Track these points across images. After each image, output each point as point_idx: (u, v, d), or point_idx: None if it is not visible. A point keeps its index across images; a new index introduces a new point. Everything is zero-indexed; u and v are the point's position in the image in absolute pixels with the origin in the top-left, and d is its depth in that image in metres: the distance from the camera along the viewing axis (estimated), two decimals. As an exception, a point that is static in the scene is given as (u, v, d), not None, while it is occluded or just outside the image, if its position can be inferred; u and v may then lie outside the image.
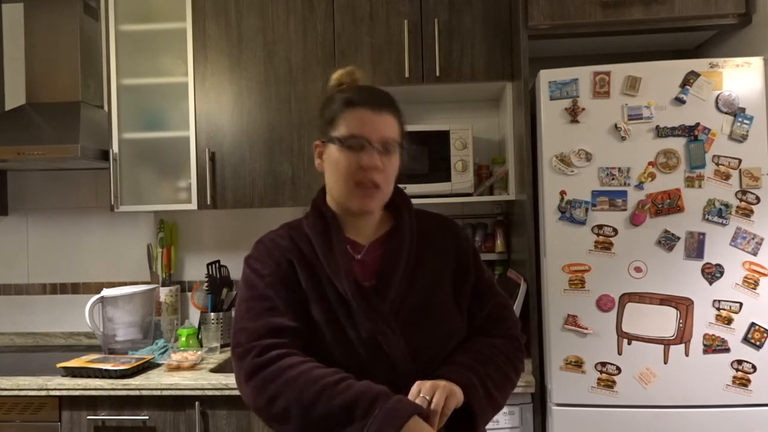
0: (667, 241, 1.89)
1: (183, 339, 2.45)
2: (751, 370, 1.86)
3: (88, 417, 2.08)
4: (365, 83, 1.28)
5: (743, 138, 1.87)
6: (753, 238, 1.87)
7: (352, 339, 1.13)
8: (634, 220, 1.91)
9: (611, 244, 1.92)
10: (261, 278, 1.18)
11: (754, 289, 1.86)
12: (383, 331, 1.13)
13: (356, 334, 1.13)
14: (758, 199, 1.87)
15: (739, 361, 1.86)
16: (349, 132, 1.17)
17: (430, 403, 1.05)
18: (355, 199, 1.18)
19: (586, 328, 1.92)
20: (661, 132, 1.90)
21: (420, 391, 1.07)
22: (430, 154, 2.37)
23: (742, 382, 1.86)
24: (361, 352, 1.12)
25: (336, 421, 1.03)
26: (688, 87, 1.89)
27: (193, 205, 2.41)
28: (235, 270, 2.65)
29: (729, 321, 1.86)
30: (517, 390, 1.95)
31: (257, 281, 1.18)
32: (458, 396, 1.08)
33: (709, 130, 1.88)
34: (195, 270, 2.75)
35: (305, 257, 1.19)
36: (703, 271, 1.88)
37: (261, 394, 1.08)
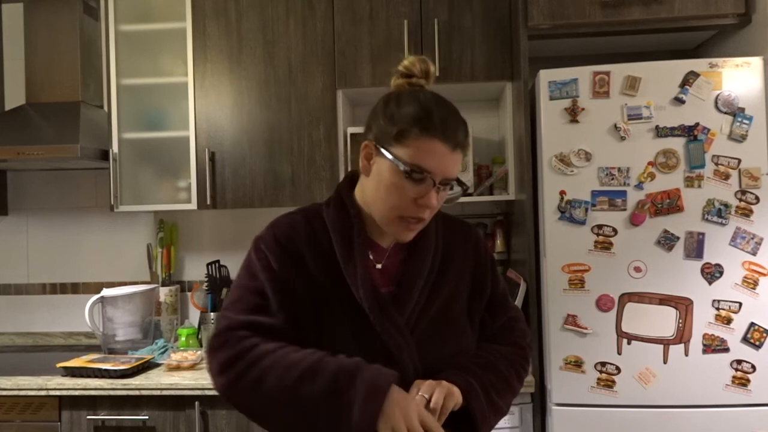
0: (667, 241, 1.90)
1: (183, 339, 2.45)
2: (751, 370, 1.86)
3: (88, 417, 2.08)
4: (431, 73, 1.18)
5: (743, 138, 1.87)
6: (752, 238, 1.87)
7: (363, 346, 1.09)
8: (634, 220, 1.91)
9: (611, 244, 1.92)
10: (264, 270, 1.11)
11: (754, 289, 1.86)
12: (398, 344, 1.09)
13: (369, 343, 1.09)
14: (758, 199, 1.87)
15: (739, 361, 1.86)
16: (416, 162, 1.04)
17: (428, 401, 1.04)
18: (394, 228, 1.11)
19: (586, 328, 1.92)
20: (660, 132, 1.90)
21: (419, 389, 1.06)
22: (430, 154, 2.36)
23: (742, 382, 1.86)
24: (371, 361, 1.07)
25: (320, 404, 1.00)
26: (687, 87, 1.89)
27: (193, 205, 2.41)
28: (235, 270, 2.63)
29: (728, 321, 1.86)
30: (516, 390, 1.96)
31: (259, 272, 1.12)
32: (456, 396, 1.07)
33: (709, 130, 1.88)
34: (195, 270, 2.75)
35: (323, 252, 1.12)
36: (702, 270, 1.88)
37: (237, 385, 1.05)
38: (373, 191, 1.11)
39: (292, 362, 1.03)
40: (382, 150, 1.08)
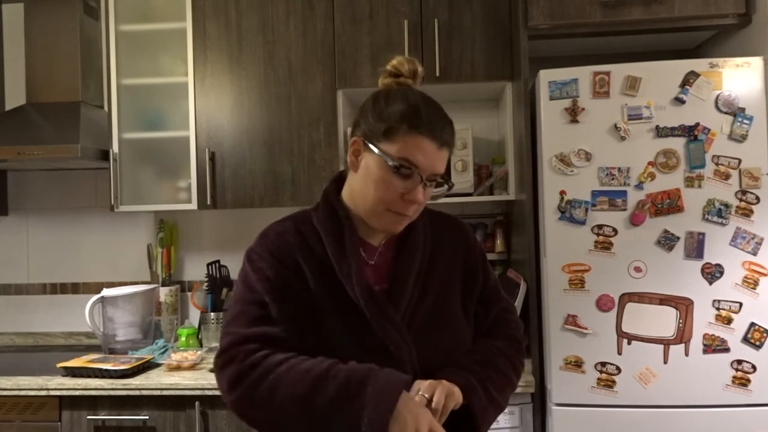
0: (667, 241, 1.89)
1: (183, 339, 2.45)
2: (751, 370, 1.86)
3: (88, 417, 2.08)
4: (420, 73, 1.20)
5: (743, 138, 1.87)
6: (753, 238, 1.87)
7: (362, 345, 1.10)
8: (634, 220, 1.91)
9: (611, 244, 1.92)
10: (261, 281, 1.12)
11: (754, 289, 1.86)
12: (395, 341, 1.10)
13: (367, 342, 1.10)
14: (758, 199, 1.87)
15: (739, 361, 1.86)
16: (404, 156, 1.08)
17: (429, 401, 1.04)
18: (381, 222, 1.13)
19: (586, 328, 1.92)
20: (660, 132, 1.90)
21: (419, 390, 1.06)
22: (430, 154, 2.36)
23: (742, 382, 1.86)
24: (369, 359, 1.08)
25: (332, 411, 1.01)
26: (687, 87, 1.89)
27: (193, 205, 2.41)
28: (235, 270, 2.62)
29: (729, 321, 1.86)
30: (517, 390, 1.94)
31: (257, 284, 1.12)
32: (457, 396, 1.08)
33: (709, 130, 1.88)
34: (195, 270, 2.75)
35: (315, 255, 1.14)
36: (702, 271, 1.88)
37: (248, 399, 1.05)
38: (360, 186, 1.13)
39: (302, 371, 1.04)
40: (371, 146, 1.10)
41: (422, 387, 1.06)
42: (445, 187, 1.18)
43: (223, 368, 1.09)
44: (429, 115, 1.11)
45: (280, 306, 1.11)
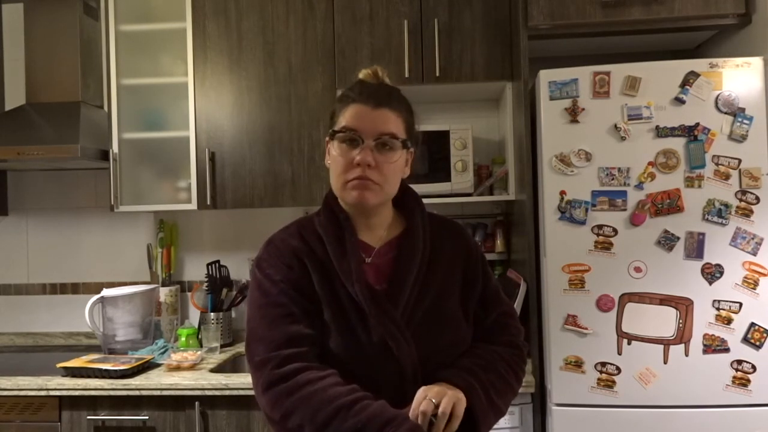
0: (667, 241, 1.89)
1: (183, 339, 2.45)
2: (751, 370, 1.86)
3: (88, 417, 2.08)
4: (389, 82, 1.27)
5: (743, 138, 1.87)
6: (753, 238, 1.87)
7: (362, 343, 1.11)
8: (634, 220, 1.91)
9: (611, 244, 1.92)
10: (274, 284, 1.15)
11: (754, 289, 1.86)
12: (394, 337, 1.11)
13: (367, 339, 1.11)
14: (758, 199, 1.87)
15: (739, 361, 1.86)
16: (343, 125, 1.17)
17: (436, 407, 1.04)
18: (349, 195, 1.17)
19: (586, 328, 1.92)
20: (660, 132, 1.90)
21: (426, 396, 1.06)
22: (430, 154, 2.37)
23: (742, 382, 1.86)
24: (370, 357, 1.11)
25: None
26: (687, 87, 1.89)
27: (193, 205, 2.41)
28: (235, 270, 2.65)
29: (729, 321, 1.86)
30: (517, 390, 1.96)
31: (270, 287, 1.15)
32: (464, 402, 1.08)
33: (709, 130, 1.88)
34: (195, 270, 2.75)
35: (318, 257, 1.17)
36: (702, 271, 1.88)
37: (276, 408, 1.07)
38: (332, 174, 1.21)
39: (327, 398, 1.04)
40: (328, 137, 1.22)
41: (430, 393, 1.06)
42: (409, 147, 1.21)
43: (258, 370, 1.11)
44: (363, 87, 1.20)
45: (298, 302, 1.14)
